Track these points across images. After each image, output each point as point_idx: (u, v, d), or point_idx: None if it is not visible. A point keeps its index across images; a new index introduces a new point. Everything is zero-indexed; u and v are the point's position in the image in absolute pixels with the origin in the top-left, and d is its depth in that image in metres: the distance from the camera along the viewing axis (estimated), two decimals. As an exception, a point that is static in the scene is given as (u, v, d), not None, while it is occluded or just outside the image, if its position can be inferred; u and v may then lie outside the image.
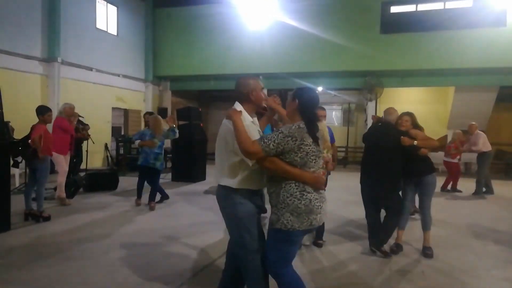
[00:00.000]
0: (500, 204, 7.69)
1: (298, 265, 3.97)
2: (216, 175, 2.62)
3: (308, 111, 2.42)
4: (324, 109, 4.57)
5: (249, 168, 2.43)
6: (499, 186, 9.32)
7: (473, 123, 8.83)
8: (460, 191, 8.81)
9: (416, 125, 4.39)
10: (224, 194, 2.56)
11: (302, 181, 2.32)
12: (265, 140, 2.29)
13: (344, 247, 4.57)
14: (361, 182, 4.48)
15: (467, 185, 9.08)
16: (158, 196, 6.75)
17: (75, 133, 6.93)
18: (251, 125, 2.52)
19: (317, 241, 4.51)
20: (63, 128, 6.48)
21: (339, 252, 4.36)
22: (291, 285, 2.46)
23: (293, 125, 2.33)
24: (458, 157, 8.73)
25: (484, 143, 8.41)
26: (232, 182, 2.49)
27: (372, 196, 4.36)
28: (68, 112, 6.71)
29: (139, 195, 6.66)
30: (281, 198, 2.34)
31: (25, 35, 10.36)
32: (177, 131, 6.98)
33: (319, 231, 4.50)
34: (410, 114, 4.40)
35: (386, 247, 4.30)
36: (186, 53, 14.70)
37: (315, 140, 2.34)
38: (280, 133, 2.29)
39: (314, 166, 2.36)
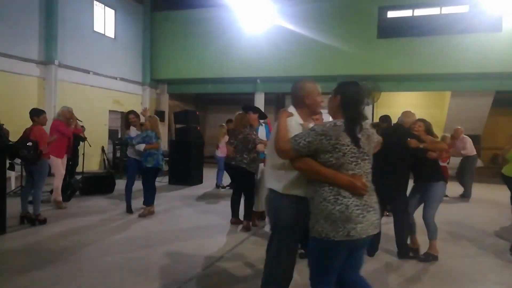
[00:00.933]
0: (494, 208, 7.71)
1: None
2: (266, 177, 2.62)
3: (351, 108, 2.19)
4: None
5: (292, 172, 2.32)
6: (493, 190, 9.36)
7: (459, 127, 8.98)
8: (446, 196, 8.84)
9: (430, 133, 4.37)
10: (270, 198, 2.52)
11: (336, 184, 2.09)
12: (296, 138, 2.15)
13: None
14: None
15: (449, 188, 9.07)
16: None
17: (72, 136, 6.89)
18: (296, 126, 2.39)
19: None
20: (60, 131, 6.46)
21: None
22: None
23: (327, 122, 2.16)
24: (448, 161, 8.77)
25: (471, 147, 8.62)
26: (278, 186, 2.43)
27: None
28: (66, 115, 6.69)
29: (151, 201, 6.33)
30: (315, 203, 2.15)
31: (23, 38, 10.34)
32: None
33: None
34: (424, 121, 4.40)
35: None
36: (183, 56, 14.71)
37: (355, 140, 2.10)
38: (312, 131, 2.12)
39: (354, 169, 2.11)
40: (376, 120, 13.05)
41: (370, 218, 2.11)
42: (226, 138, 7.30)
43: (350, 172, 2.10)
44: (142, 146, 6.13)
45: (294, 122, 2.41)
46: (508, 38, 11.44)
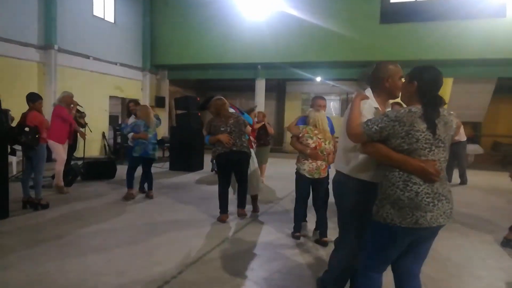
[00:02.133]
0: (493, 195, 7.75)
1: (300, 266, 4.00)
2: (336, 159, 2.65)
3: (428, 93, 2.11)
4: (324, 98, 4.57)
5: (362, 155, 2.31)
6: (495, 177, 9.39)
7: (451, 113, 8.89)
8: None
9: None
10: (336, 180, 2.55)
11: (407, 170, 2.02)
12: (368, 123, 2.11)
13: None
14: None
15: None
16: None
17: (73, 121, 6.88)
18: (370, 110, 2.33)
19: (322, 239, 4.23)
20: (62, 117, 6.45)
21: None
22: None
23: (402, 108, 2.09)
24: None
25: (462, 133, 8.64)
26: (344, 168, 2.44)
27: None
28: (67, 101, 6.67)
29: (131, 185, 6.30)
30: (383, 187, 2.11)
31: (21, 22, 10.24)
32: (160, 118, 6.85)
33: (323, 227, 4.25)
34: (401, 104, 4.44)
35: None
36: (184, 42, 14.59)
37: (432, 126, 2.03)
38: (385, 116, 2.07)
39: (427, 155, 2.04)
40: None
41: (442, 207, 2.04)
42: None
43: (423, 158, 2.04)
44: (130, 135, 6.18)
45: (368, 105, 2.35)
46: (512, 24, 11.32)
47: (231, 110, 5.39)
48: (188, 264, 3.58)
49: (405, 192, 2.01)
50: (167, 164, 10.27)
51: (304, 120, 4.37)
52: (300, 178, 4.23)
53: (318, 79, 15.24)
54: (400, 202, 2.01)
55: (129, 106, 7.21)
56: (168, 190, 7.25)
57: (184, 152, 9.79)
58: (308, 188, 4.27)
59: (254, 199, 5.59)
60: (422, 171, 2.00)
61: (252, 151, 5.59)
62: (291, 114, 18.25)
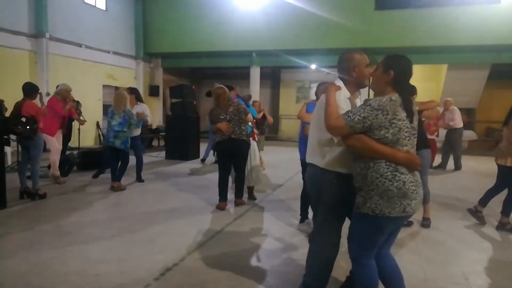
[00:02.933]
0: (487, 180, 7.84)
1: (300, 253, 4.03)
2: (308, 152, 2.54)
3: (404, 82, 2.16)
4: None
5: (338, 148, 2.29)
6: (488, 162, 9.45)
7: (449, 99, 8.96)
8: (439, 167, 8.96)
9: None
10: (312, 174, 2.49)
11: (394, 161, 2.07)
12: (349, 114, 2.09)
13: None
14: None
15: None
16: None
17: (66, 115, 6.75)
18: (345, 101, 2.33)
19: None
20: (55, 110, 6.35)
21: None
22: (367, 279, 2.28)
23: (383, 97, 2.09)
24: (436, 133, 8.82)
25: (459, 119, 8.67)
26: (320, 162, 2.38)
27: None
28: (64, 94, 6.59)
29: (113, 177, 6.16)
30: (369, 179, 2.10)
31: (12, 10, 10.04)
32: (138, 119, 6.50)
33: None
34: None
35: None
36: (177, 29, 14.40)
37: (410, 115, 2.09)
38: (367, 106, 2.07)
39: (407, 144, 2.11)
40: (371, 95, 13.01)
41: (421, 194, 2.16)
42: None
43: (404, 148, 2.10)
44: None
45: (343, 96, 2.33)
46: (506, 10, 11.32)
47: (238, 100, 5.47)
48: (190, 252, 3.61)
49: (394, 182, 2.06)
50: (162, 153, 10.24)
51: (313, 106, 4.20)
52: None
53: (313, 66, 15.18)
54: (389, 192, 2.05)
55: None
56: (165, 178, 7.25)
57: (179, 141, 9.75)
58: None
59: (251, 189, 5.65)
60: (410, 162, 2.08)
61: (255, 143, 5.57)
62: (286, 102, 18.23)
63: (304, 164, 4.26)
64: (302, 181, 4.37)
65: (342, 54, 2.49)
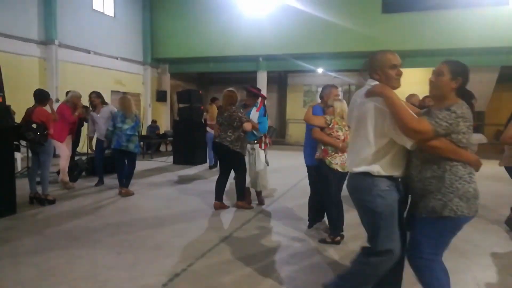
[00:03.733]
0: (497, 184, 7.74)
1: (309, 258, 4.01)
2: (351, 161, 2.37)
3: (465, 88, 2.19)
4: (337, 87, 4.43)
5: (393, 151, 2.22)
6: (496, 166, 9.35)
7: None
8: None
9: None
10: (360, 183, 2.30)
11: (468, 163, 2.14)
12: (436, 120, 2.07)
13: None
14: None
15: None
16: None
17: (75, 121, 6.81)
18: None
19: (335, 238, 4.04)
20: (65, 117, 6.41)
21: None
22: (443, 280, 2.23)
23: (463, 105, 2.12)
24: None
25: None
26: (373, 168, 2.23)
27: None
28: (75, 101, 6.65)
29: (121, 182, 6.19)
30: (447, 182, 2.12)
31: (22, 18, 10.21)
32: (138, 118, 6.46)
33: (338, 224, 4.05)
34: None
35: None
36: (184, 35, 14.52)
37: (472, 120, 2.15)
38: (452, 113, 2.08)
39: (470, 147, 2.19)
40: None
41: None
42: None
43: (469, 151, 2.17)
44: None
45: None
46: (515, 12, 11.23)
47: (257, 105, 5.43)
48: (198, 257, 3.60)
49: (471, 184, 2.15)
50: (170, 158, 10.28)
51: (319, 109, 4.11)
52: (331, 174, 3.85)
53: (320, 70, 15.18)
54: (468, 193, 2.14)
55: (91, 98, 7.05)
56: (172, 184, 7.28)
57: (187, 145, 9.79)
58: (337, 185, 3.92)
59: (258, 193, 5.64)
60: (478, 164, 2.20)
61: (262, 151, 5.42)
62: (293, 106, 18.22)
63: (310, 169, 4.20)
64: (309, 186, 4.35)
65: (373, 55, 2.38)
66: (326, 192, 3.99)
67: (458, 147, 2.11)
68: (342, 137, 3.85)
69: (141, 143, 11.06)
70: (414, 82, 14.28)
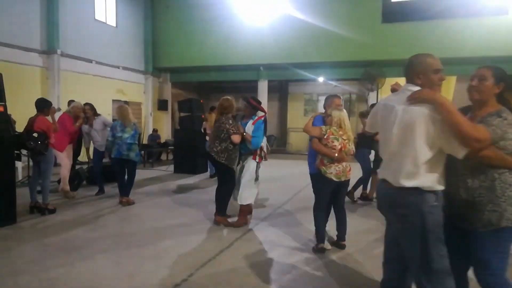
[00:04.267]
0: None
1: (310, 268, 3.98)
2: (395, 173, 2.12)
3: (504, 94, 2.14)
4: (340, 97, 4.39)
5: (440, 163, 2.06)
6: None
7: None
8: None
9: None
10: (407, 199, 2.07)
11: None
12: (492, 127, 2.01)
13: (368, 250, 4.40)
14: None
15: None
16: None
17: (76, 132, 6.83)
18: None
19: (341, 242, 4.13)
20: (66, 127, 6.42)
21: (364, 257, 4.10)
22: None
23: (507, 111, 2.08)
24: None
25: None
26: (422, 182, 2.03)
27: None
28: (76, 112, 6.68)
29: (122, 191, 6.17)
30: (498, 191, 2.03)
31: (24, 27, 10.29)
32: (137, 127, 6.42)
33: (343, 231, 4.14)
34: None
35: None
36: (186, 44, 14.61)
37: None
38: (504, 119, 2.03)
39: None
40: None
41: None
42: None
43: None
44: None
45: None
46: (514, 21, 11.29)
47: (258, 113, 5.25)
48: (198, 267, 3.57)
49: None
50: (171, 167, 10.27)
51: (320, 119, 4.10)
52: (324, 183, 3.88)
53: (321, 79, 15.23)
54: None
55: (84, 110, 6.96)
56: (173, 193, 7.26)
57: (188, 154, 9.78)
58: (331, 193, 3.98)
59: (240, 209, 5.08)
60: None
61: (253, 162, 4.99)
62: (294, 114, 18.25)
63: (313, 178, 4.13)
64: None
65: (412, 58, 2.23)
66: (315, 200, 4.06)
67: (505, 154, 2.04)
68: (339, 147, 3.84)
69: (142, 152, 11.08)
70: (414, 91, 14.35)
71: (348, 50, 12.80)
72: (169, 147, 12.80)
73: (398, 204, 2.13)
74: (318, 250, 3.99)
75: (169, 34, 15.06)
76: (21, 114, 6.79)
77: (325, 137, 3.85)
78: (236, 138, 4.85)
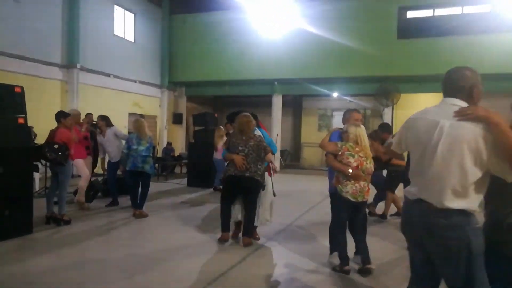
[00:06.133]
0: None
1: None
2: (438, 194, 1.97)
3: None
4: (359, 112, 4.30)
5: (485, 185, 1.96)
6: None
7: None
8: None
9: None
10: (451, 221, 1.94)
11: None
12: None
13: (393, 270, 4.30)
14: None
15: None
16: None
17: (89, 135, 6.95)
18: None
19: (366, 266, 3.81)
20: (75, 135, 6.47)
21: (387, 277, 3.87)
22: None
23: None
24: None
25: None
26: (470, 204, 1.94)
27: None
28: (75, 120, 6.49)
29: (135, 204, 6.19)
30: None
31: (46, 42, 10.63)
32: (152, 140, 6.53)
33: (366, 252, 3.87)
34: None
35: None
36: (201, 59, 14.84)
37: None
38: None
39: None
40: (396, 121, 12.90)
41: None
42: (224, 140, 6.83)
43: None
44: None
45: None
46: (532, 38, 11.15)
47: (258, 131, 4.92)
48: (210, 281, 3.56)
49: None
50: (184, 180, 10.32)
51: (338, 135, 3.98)
52: (341, 202, 3.75)
53: (335, 94, 15.22)
54: None
55: (97, 122, 7.10)
56: (186, 206, 7.29)
57: (201, 168, 9.82)
58: (349, 213, 3.83)
59: (254, 228, 4.95)
60: None
61: (270, 179, 5.01)
62: (308, 129, 18.22)
63: (334, 197, 3.92)
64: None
65: (452, 71, 2.13)
66: (333, 218, 3.93)
67: None
68: (355, 164, 3.69)
69: (156, 164, 11.18)
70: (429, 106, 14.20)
71: (363, 65, 12.80)
72: (183, 160, 12.89)
73: (441, 226, 1.97)
74: (343, 271, 3.78)
75: (185, 49, 15.33)
76: (42, 125, 6.97)
77: (339, 153, 3.73)
78: (270, 156, 4.70)
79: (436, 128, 2.00)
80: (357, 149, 3.74)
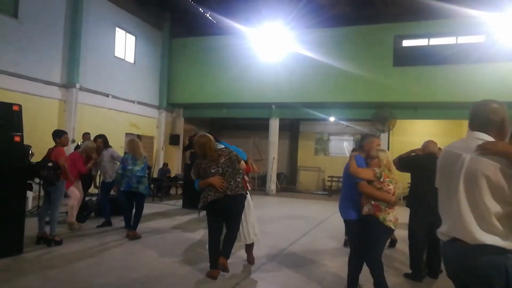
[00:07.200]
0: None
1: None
2: (469, 229, 1.90)
3: None
4: (378, 137, 4.24)
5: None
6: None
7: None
8: None
9: None
10: (488, 258, 1.86)
11: None
12: None
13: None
14: (415, 211, 4.48)
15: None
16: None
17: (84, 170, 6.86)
18: None
19: None
20: (77, 166, 6.40)
21: None
22: None
23: None
24: None
25: None
26: (504, 242, 1.85)
27: (426, 223, 4.25)
28: (88, 153, 6.66)
29: (129, 225, 6.15)
30: None
31: (47, 62, 10.73)
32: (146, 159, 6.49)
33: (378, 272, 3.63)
34: None
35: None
36: (200, 82, 15.01)
37: None
38: None
39: None
40: (392, 147, 12.96)
41: None
42: None
43: None
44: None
45: None
46: (525, 68, 11.37)
47: (221, 145, 4.58)
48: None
49: None
50: (180, 202, 10.23)
51: (362, 160, 3.78)
52: (383, 231, 3.53)
53: (332, 119, 15.35)
54: None
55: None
56: (180, 229, 7.19)
57: (197, 190, 9.70)
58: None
59: (250, 247, 4.88)
60: None
61: (248, 194, 4.72)
62: (305, 153, 18.26)
63: (351, 224, 3.76)
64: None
65: (480, 104, 2.10)
66: (373, 251, 3.60)
67: None
68: (393, 191, 3.55)
69: (152, 185, 11.11)
70: (426, 133, 14.31)
71: (359, 91, 12.97)
72: (179, 182, 12.82)
73: (479, 265, 1.88)
74: None
75: (184, 71, 15.52)
76: (40, 144, 6.95)
77: (381, 180, 3.54)
78: (243, 163, 4.41)
79: (458, 161, 1.99)
80: (392, 175, 3.63)
